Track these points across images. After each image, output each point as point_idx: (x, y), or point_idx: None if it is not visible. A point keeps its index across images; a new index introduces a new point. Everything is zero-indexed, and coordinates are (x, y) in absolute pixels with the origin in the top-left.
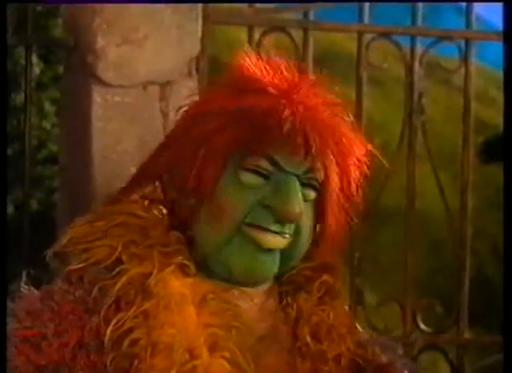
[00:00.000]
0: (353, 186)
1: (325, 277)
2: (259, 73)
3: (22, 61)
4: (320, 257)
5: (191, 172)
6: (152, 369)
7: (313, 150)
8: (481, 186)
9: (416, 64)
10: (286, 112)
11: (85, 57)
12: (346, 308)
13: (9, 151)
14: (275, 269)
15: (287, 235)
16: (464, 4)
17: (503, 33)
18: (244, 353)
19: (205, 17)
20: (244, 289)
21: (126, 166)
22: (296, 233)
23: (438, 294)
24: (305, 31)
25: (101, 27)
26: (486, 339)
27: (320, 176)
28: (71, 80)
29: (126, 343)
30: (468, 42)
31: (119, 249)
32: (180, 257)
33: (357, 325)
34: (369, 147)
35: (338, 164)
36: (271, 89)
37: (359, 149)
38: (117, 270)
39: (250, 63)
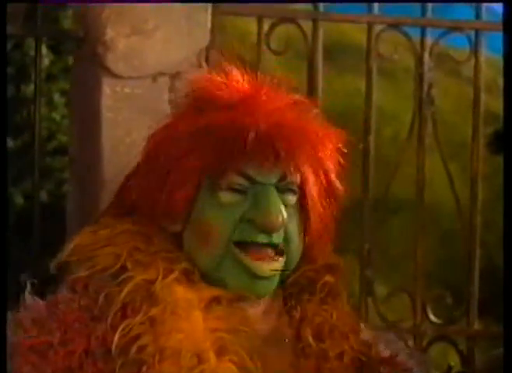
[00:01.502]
0: (333, 179)
1: (327, 277)
2: (216, 89)
3: (32, 53)
4: (315, 255)
5: (162, 198)
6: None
7: (281, 155)
8: (491, 177)
9: (426, 55)
10: (247, 121)
11: (95, 49)
12: (348, 307)
13: (19, 142)
14: (274, 285)
15: (281, 258)
16: None
17: (502, 26)
18: (252, 357)
19: (215, 8)
20: (262, 296)
21: (135, 157)
22: (286, 240)
23: (448, 285)
24: (315, 22)
25: (110, 18)
26: (496, 330)
27: (297, 178)
28: (81, 71)
29: (133, 349)
30: (477, 33)
31: (124, 256)
32: (184, 263)
33: (360, 324)
34: (343, 135)
35: (312, 162)
36: (229, 102)
37: (332, 142)
38: (123, 277)
39: (208, 81)
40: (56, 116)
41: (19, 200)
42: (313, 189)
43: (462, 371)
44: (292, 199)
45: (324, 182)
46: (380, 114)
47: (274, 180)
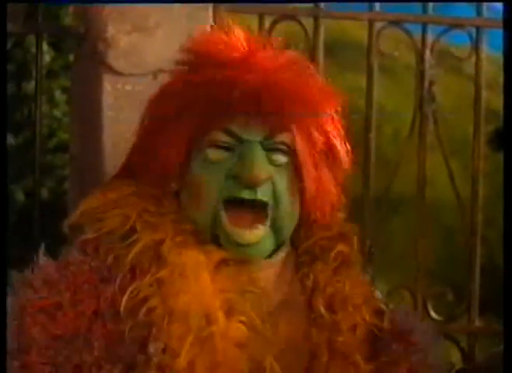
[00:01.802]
0: (333, 142)
1: (341, 246)
2: (215, 47)
3: (33, 50)
4: (329, 222)
5: (156, 159)
6: (169, 336)
7: (267, 113)
8: (492, 174)
9: (427, 52)
10: (237, 79)
11: (96, 46)
12: (363, 277)
13: (20, 140)
14: (269, 246)
15: (260, 226)
16: None
17: (503, 25)
18: (262, 318)
19: (216, 5)
20: (259, 259)
21: None
22: (275, 200)
23: (449, 282)
24: (316, 19)
25: (111, 15)
26: (497, 327)
27: (287, 138)
28: (82, 68)
29: (142, 311)
30: (479, 30)
31: (133, 217)
32: (192, 225)
33: (375, 294)
34: (344, 97)
35: (304, 123)
36: (225, 61)
37: (331, 104)
38: (132, 238)
39: (207, 38)
40: (57, 113)
41: (19, 197)
42: (304, 149)
43: (463, 368)
44: (281, 158)
45: (321, 144)
46: (381, 111)
47: (259, 137)
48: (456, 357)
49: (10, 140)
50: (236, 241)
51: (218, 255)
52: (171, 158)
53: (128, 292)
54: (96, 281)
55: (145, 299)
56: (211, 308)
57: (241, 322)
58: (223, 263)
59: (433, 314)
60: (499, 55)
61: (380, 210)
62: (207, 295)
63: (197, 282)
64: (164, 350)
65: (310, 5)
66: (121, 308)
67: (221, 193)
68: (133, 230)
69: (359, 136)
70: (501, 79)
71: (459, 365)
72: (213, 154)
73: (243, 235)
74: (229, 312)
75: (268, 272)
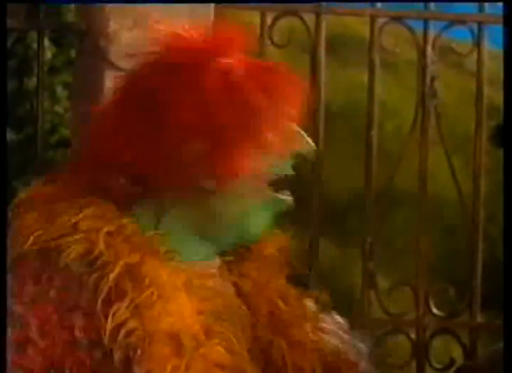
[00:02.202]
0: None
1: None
2: (182, 42)
3: (35, 46)
4: None
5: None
6: (152, 359)
7: None
8: (494, 170)
9: (429, 48)
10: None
11: (98, 42)
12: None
13: (22, 136)
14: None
15: None
16: None
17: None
18: (237, 337)
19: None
20: (207, 264)
21: None
22: None
23: (451, 278)
24: (317, 15)
25: (113, 11)
26: (499, 323)
27: None
28: (84, 64)
29: (121, 333)
30: (480, 26)
31: (100, 242)
32: (162, 243)
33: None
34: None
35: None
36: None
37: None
38: (98, 263)
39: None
40: (59, 109)
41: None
42: None
43: (465, 364)
44: None
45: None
46: (382, 107)
47: None
48: (457, 353)
49: (12, 136)
50: None
51: (186, 272)
52: (242, 157)
53: (110, 316)
54: (62, 311)
55: (124, 322)
56: (194, 330)
57: (220, 344)
58: (195, 281)
59: (434, 310)
60: (500, 51)
61: (382, 206)
62: (188, 317)
63: (176, 303)
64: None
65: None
66: (106, 333)
67: None
68: (96, 255)
69: (360, 132)
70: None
71: (460, 361)
72: (270, 141)
73: None
74: (208, 335)
75: (217, 278)
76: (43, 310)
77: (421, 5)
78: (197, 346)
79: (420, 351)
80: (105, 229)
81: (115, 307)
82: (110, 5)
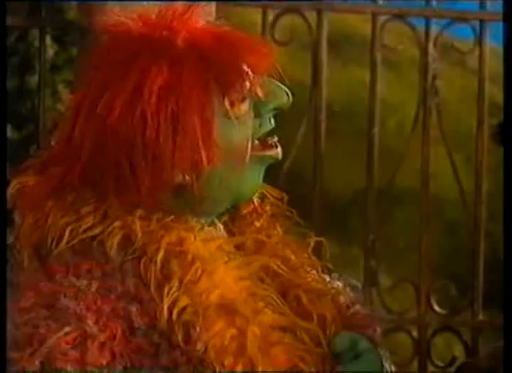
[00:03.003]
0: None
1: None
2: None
3: (36, 44)
4: None
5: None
6: (209, 332)
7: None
8: (495, 168)
9: (431, 46)
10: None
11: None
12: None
13: (23, 133)
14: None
15: None
16: None
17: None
18: (278, 297)
19: None
20: (218, 225)
21: None
22: None
23: (452, 276)
24: (319, 13)
25: (115, 9)
26: (501, 321)
27: None
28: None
29: (174, 313)
30: (482, 23)
31: (137, 227)
32: (189, 217)
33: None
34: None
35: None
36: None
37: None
38: (139, 248)
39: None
40: (60, 107)
41: None
42: None
43: (466, 362)
44: None
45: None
46: (384, 105)
47: None
48: (459, 350)
49: (13, 134)
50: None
51: (215, 243)
52: (202, 139)
53: (164, 298)
54: (112, 301)
55: (175, 301)
56: (242, 297)
57: (268, 308)
58: (223, 248)
59: (436, 308)
60: (502, 48)
61: (384, 204)
62: (232, 286)
63: (218, 275)
64: (206, 348)
65: None
66: (162, 315)
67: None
68: (129, 239)
69: (362, 130)
70: None
71: (462, 359)
72: (238, 109)
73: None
74: (254, 299)
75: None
76: (93, 303)
77: (422, 2)
78: (250, 312)
79: (422, 349)
80: (137, 213)
81: (166, 288)
82: (112, 2)
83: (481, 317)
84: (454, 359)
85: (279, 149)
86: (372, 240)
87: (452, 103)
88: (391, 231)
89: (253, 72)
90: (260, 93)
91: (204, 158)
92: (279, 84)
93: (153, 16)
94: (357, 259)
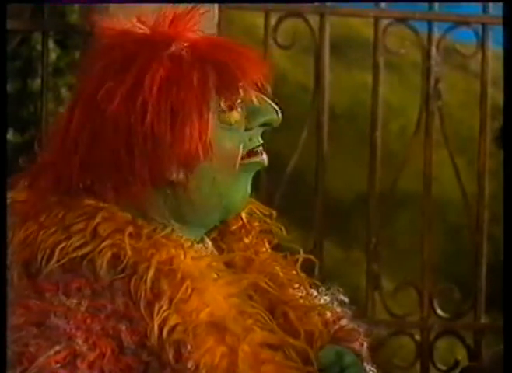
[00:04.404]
0: None
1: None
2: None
3: (39, 47)
4: None
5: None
6: (199, 351)
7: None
8: (498, 171)
9: (433, 50)
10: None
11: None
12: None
13: (26, 137)
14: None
15: None
16: None
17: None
18: (266, 314)
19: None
20: (207, 241)
21: None
22: None
23: (455, 280)
24: (322, 16)
25: (117, 12)
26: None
27: None
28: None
29: (165, 331)
30: (484, 27)
31: (126, 245)
32: (179, 235)
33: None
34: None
35: None
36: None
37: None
38: (129, 266)
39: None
40: (63, 110)
41: None
42: None
43: (469, 366)
44: None
45: None
46: (387, 109)
47: None
48: (462, 354)
49: (16, 137)
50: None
51: (205, 260)
52: (199, 133)
53: (155, 316)
54: (101, 320)
55: (165, 320)
56: (231, 315)
57: (256, 325)
58: (213, 265)
59: (439, 311)
60: None
61: (386, 207)
62: (222, 304)
63: (208, 292)
64: (196, 366)
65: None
66: (153, 333)
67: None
68: (123, 259)
69: (365, 133)
70: None
71: (465, 363)
72: (233, 116)
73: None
74: (243, 316)
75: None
76: (83, 321)
77: (425, 6)
78: (240, 330)
79: (424, 353)
80: (127, 231)
81: (156, 307)
82: (115, 5)
83: (483, 320)
84: (456, 362)
85: (265, 156)
86: (374, 243)
87: (454, 107)
88: (394, 235)
89: (247, 83)
90: (252, 105)
91: (200, 152)
92: (270, 101)
93: (153, 19)
94: (359, 263)
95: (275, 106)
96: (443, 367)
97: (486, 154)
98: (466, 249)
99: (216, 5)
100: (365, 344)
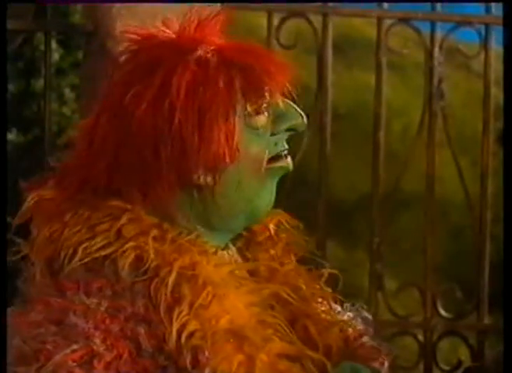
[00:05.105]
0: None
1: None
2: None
3: (42, 47)
4: None
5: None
6: (216, 358)
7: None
8: (501, 171)
9: (436, 50)
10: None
11: (105, 43)
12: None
13: (29, 137)
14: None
15: None
16: None
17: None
18: (287, 325)
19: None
20: (231, 248)
21: None
22: None
23: (458, 280)
24: (324, 16)
25: (120, 12)
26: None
27: None
28: (91, 66)
29: (183, 337)
30: (487, 27)
31: (150, 248)
32: (204, 240)
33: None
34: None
35: None
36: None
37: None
38: (151, 269)
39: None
40: (66, 110)
41: None
42: None
43: (472, 366)
44: None
45: None
46: (389, 109)
47: None
48: (465, 354)
49: (19, 137)
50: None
51: (228, 267)
52: (226, 136)
53: (175, 321)
54: (121, 321)
55: (184, 325)
56: (251, 324)
57: (276, 335)
58: (235, 273)
59: (442, 311)
60: None
61: (389, 208)
62: (242, 312)
63: (229, 300)
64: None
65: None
66: (171, 338)
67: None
68: (146, 261)
69: (367, 133)
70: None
71: (468, 363)
72: (259, 120)
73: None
74: (263, 327)
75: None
76: (102, 322)
77: (428, 6)
78: (259, 340)
79: (428, 353)
80: (151, 234)
81: (176, 311)
82: (118, 5)
83: (486, 321)
84: (459, 363)
85: (289, 159)
86: (377, 243)
87: (457, 107)
88: (397, 235)
89: (273, 87)
90: (278, 109)
91: (227, 155)
92: (295, 106)
93: (178, 24)
94: (362, 263)
95: (301, 111)
96: (447, 368)
97: (489, 154)
98: (469, 250)
99: (219, 5)
100: (386, 363)
